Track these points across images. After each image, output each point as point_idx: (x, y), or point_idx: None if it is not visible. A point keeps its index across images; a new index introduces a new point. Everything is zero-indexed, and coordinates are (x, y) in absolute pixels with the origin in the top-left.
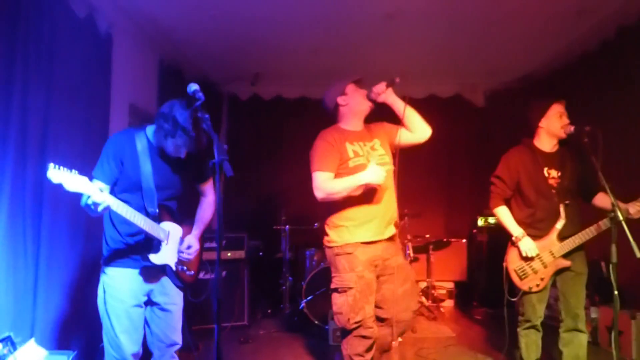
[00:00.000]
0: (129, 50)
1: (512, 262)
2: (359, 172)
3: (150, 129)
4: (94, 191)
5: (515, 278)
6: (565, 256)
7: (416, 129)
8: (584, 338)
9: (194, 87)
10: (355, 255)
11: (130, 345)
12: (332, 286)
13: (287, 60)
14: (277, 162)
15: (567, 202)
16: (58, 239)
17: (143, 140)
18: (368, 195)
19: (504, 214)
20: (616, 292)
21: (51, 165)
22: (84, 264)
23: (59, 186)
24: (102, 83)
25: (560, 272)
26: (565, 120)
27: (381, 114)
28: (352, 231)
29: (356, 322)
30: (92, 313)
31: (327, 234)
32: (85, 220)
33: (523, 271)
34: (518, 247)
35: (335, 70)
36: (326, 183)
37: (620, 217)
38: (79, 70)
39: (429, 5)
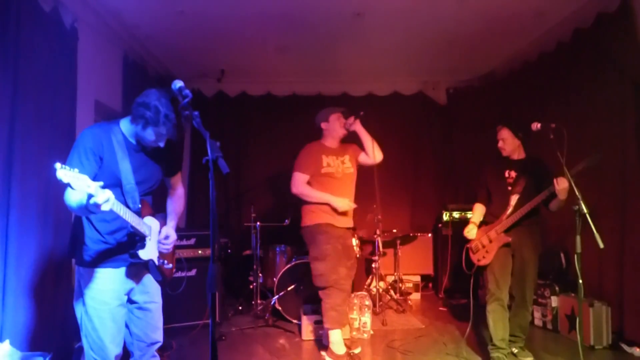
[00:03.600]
0: (93, 45)
1: (470, 242)
2: (331, 196)
3: (124, 123)
4: (97, 190)
5: (470, 252)
6: (515, 241)
7: (370, 153)
8: (528, 314)
9: (179, 84)
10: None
11: (114, 347)
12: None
13: (253, 57)
14: (244, 159)
15: (518, 196)
16: (26, 237)
17: (118, 135)
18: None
19: (475, 209)
20: (580, 281)
21: (58, 164)
22: (52, 263)
23: (29, 184)
24: (68, 78)
25: (513, 259)
26: (500, 144)
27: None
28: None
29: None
30: (65, 312)
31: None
32: (53, 218)
33: (476, 246)
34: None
35: (301, 68)
36: (302, 185)
37: (585, 210)
38: (45, 64)
39: (396, 5)
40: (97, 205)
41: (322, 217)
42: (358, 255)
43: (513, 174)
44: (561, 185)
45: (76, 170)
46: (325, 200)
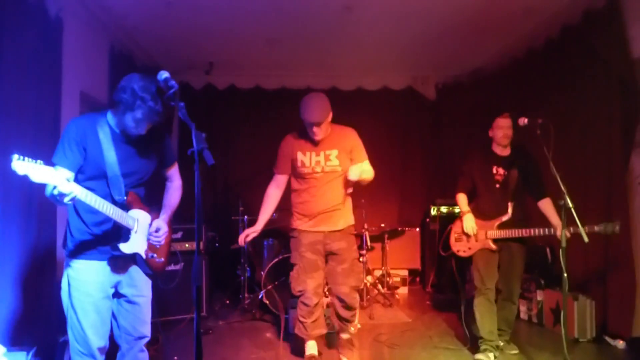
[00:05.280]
0: (79, 35)
1: (456, 227)
2: (261, 218)
3: (111, 114)
4: (61, 181)
5: (451, 238)
6: (501, 243)
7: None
8: (514, 308)
9: (164, 74)
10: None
11: (97, 339)
12: None
13: (242, 50)
14: (232, 152)
15: (514, 201)
16: (9, 230)
17: (105, 127)
18: (307, 197)
19: (460, 198)
20: (565, 275)
21: (15, 156)
22: (36, 255)
23: (13, 176)
24: (53, 69)
25: (500, 253)
26: (507, 131)
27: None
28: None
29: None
30: (49, 306)
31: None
32: (37, 210)
33: (459, 236)
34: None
35: (290, 61)
36: (271, 188)
37: (570, 205)
38: (29, 55)
39: None
40: (62, 196)
41: (295, 220)
42: (363, 260)
43: (501, 170)
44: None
45: (40, 162)
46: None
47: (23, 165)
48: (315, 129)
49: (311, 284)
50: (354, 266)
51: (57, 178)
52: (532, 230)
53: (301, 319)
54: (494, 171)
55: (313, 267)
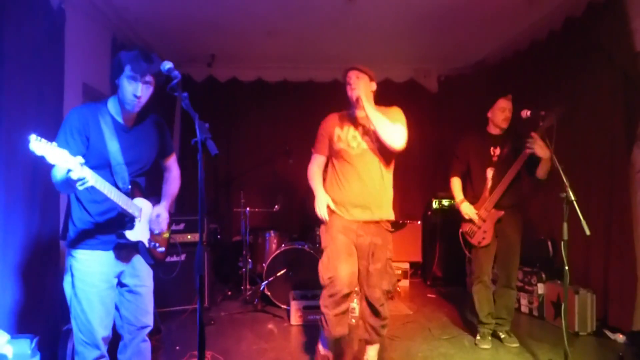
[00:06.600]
0: (81, 27)
1: (463, 226)
2: (319, 192)
3: (111, 102)
4: (76, 165)
5: (467, 237)
6: (500, 225)
7: (382, 139)
8: (513, 294)
9: (168, 65)
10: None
11: (102, 329)
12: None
13: (244, 42)
14: (234, 145)
15: (494, 169)
16: (12, 219)
17: (106, 115)
18: (342, 180)
19: (454, 184)
20: (567, 267)
21: (33, 136)
22: (40, 244)
23: (16, 165)
24: (55, 60)
25: (498, 241)
26: (508, 114)
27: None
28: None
29: (328, 279)
30: (52, 295)
31: None
32: (41, 199)
33: (471, 230)
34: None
35: (292, 53)
36: (312, 167)
37: (572, 197)
38: (31, 46)
39: None
40: (76, 181)
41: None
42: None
43: (498, 151)
44: (536, 143)
45: (54, 144)
46: (315, 193)
47: (41, 146)
48: (351, 76)
49: (343, 270)
50: (387, 267)
51: (72, 162)
52: (515, 166)
53: (324, 309)
54: (491, 152)
55: (347, 251)
